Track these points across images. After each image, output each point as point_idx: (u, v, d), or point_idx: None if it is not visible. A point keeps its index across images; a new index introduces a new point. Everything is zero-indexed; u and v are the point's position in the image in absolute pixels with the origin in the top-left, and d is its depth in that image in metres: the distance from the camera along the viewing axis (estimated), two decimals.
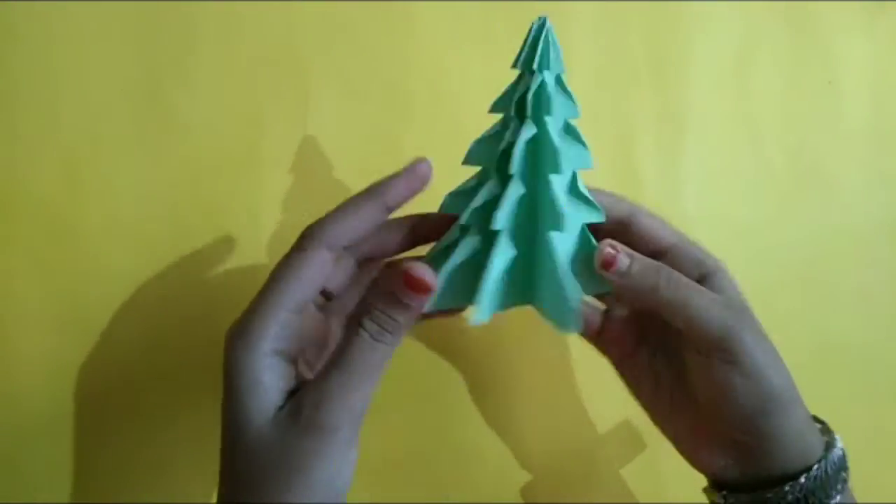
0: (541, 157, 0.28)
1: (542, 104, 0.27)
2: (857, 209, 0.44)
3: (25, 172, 0.36)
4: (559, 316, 0.27)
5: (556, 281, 0.27)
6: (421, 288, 0.26)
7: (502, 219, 0.27)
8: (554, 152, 0.27)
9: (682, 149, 0.42)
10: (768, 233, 0.43)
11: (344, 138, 0.39)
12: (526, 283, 0.29)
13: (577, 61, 0.41)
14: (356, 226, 0.28)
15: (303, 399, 0.25)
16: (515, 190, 0.27)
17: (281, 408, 0.25)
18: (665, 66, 0.42)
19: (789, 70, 0.44)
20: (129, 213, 0.37)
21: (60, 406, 0.36)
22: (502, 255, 0.27)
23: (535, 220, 0.28)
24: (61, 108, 0.37)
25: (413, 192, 0.29)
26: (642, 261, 0.29)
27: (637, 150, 0.42)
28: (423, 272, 0.26)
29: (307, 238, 0.27)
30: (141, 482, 0.36)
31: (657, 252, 0.31)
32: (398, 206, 0.29)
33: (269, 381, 0.25)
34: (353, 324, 0.26)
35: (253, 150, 0.38)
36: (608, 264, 0.28)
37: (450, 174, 0.39)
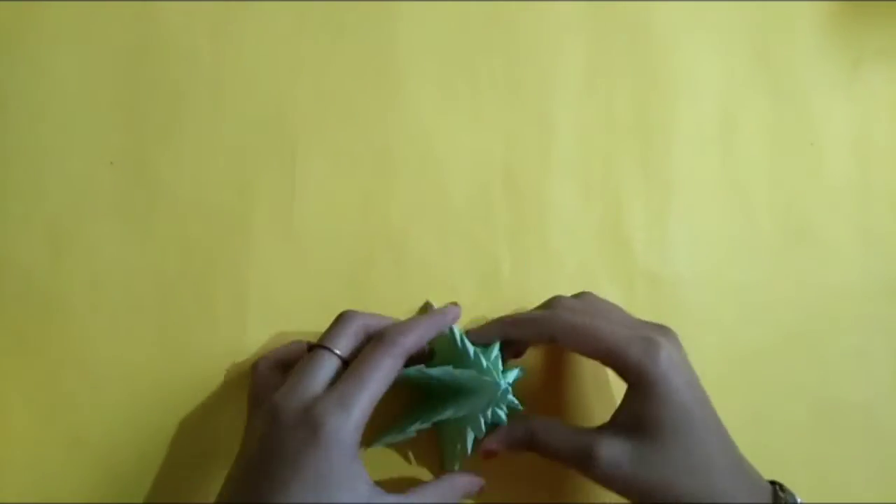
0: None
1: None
2: (847, 267, 0.44)
3: (8, 243, 0.36)
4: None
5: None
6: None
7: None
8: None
9: (671, 213, 0.42)
10: (760, 293, 0.43)
11: (332, 206, 0.39)
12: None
13: (563, 127, 0.42)
14: (423, 342, 0.32)
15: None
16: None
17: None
18: (650, 130, 0.43)
19: (772, 132, 0.45)
20: (114, 286, 0.36)
21: (42, 490, 0.34)
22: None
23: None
24: (46, 178, 0.37)
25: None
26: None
27: (625, 215, 0.42)
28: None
29: (397, 347, 0.31)
30: None
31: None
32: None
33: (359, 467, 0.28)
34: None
35: (241, 221, 0.38)
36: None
37: (436, 239, 0.39)
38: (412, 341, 0.31)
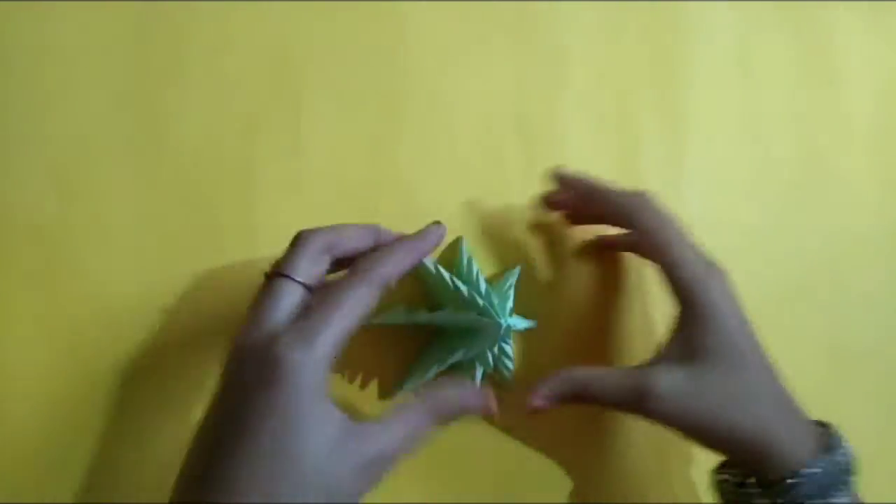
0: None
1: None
2: (865, 209, 0.43)
3: (13, 188, 0.35)
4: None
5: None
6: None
7: None
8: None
9: (686, 151, 0.41)
10: (775, 235, 0.42)
11: (338, 148, 0.38)
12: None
13: (578, 66, 0.41)
14: (401, 270, 0.30)
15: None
16: None
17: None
18: (666, 69, 0.42)
19: (791, 69, 0.43)
20: (121, 227, 0.36)
21: (53, 426, 0.34)
22: None
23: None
24: (50, 121, 0.36)
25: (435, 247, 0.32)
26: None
27: (640, 153, 0.41)
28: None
29: (370, 274, 0.28)
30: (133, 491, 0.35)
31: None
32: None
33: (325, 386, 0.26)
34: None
35: (247, 165, 0.37)
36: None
37: (444, 182, 0.39)
38: (389, 270, 0.29)
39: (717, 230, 0.41)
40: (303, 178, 0.37)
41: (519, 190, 0.39)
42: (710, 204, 0.41)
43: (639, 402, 0.30)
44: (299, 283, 0.28)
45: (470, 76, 0.40)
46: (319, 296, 0.28)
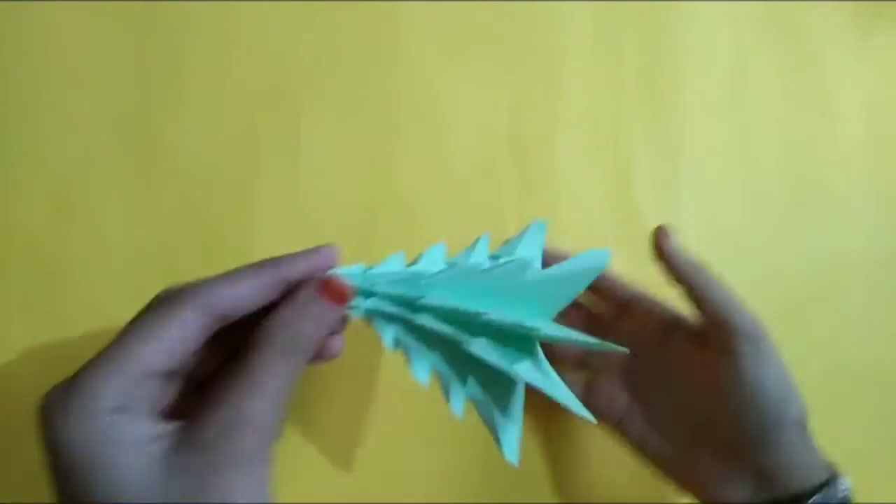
0: None
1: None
2: (859, 228, 0.44)
3: (12, 209, 0.35)
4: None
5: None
6: (336, 297, 0.25)
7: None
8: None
9: (680, 176, 0.42)
10: (770, 257, 0.42)
11: (336, 166, 0.38)
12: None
13: (570, 89, 0.41)
14: (248, 294, 0.24)
15: (202, 431, 0.22)
16: None
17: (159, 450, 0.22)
18: (661, 90, 0.42)
19: (783, 90, 0.44)
20: (118, 245, 0.36)
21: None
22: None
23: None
24: (49, 144, 0.36)
25: (313, 272, 0.25)
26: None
27: (635, 176, 0.41)
28: (341, 280, 0.25)
29: (178, 297, 0.24)
30: None
31: (621, 305, 0.36)
32: (295, 282, 0.25)
33: (119, 433, 0.21)
34: (261, 337, 0.24)
35: (246, 187, 0.37)
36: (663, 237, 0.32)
37: (440, 200, 0.39)
38: (217, 290, 0.24)
39: (711, 250, 0.41)
40: (301, 196, 0.38)
41: (514, 209, 0.39)
42: (705, 224, 0.42)
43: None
44: None
45: (466, 96, 0.40)
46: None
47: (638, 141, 0.42)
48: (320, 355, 0.27)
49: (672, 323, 0.34)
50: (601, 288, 0.36)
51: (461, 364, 0.27)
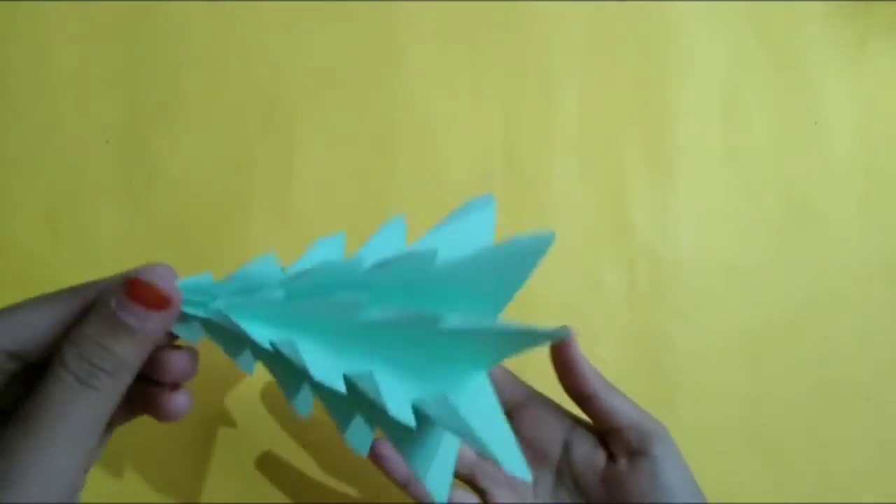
0: None
1: None
2: (850, 247, 0.44)
3: (6, 224, 0.35)
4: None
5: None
6: (152, 301, 0.19)
7: None
8: None
9: (673, 192, 0.42)
10: (763, 273, 0.42)
11: (330, 184, 0.38)
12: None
13: (564, 106, 0.41)
14: (46, 323, 0.20)
15: None
16: None
17: None
18: (653, 107, 0.43)
19: (775, 111, 0.44)
20: (112, 262, 0.36)
21: None
22: None
23: None
24: (43, 159, 0.36)
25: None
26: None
27: (627, 194, 0.41)
28: (158, 276, 0.19)
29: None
30: None
31: (516, 407, 0.32)
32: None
33: None
34: (55, 363, 0.18)
35: (239, 200, 0.37)
36: None
37: (434, 218, 0.39)
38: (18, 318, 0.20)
39: (704, 268, 0.41)
40: (295, 213, 0.38)
41: (507, 227, 0.39)
42: (697, 241, 0.42)
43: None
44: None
45: (460, 111, 0.40)
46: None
47: (630, 158, 0.42)
48: (159, 412, 0.22)
49: (571, 427, 0.32)
50: (495, 383, 0.32)
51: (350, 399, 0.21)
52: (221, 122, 0.38)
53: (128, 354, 0.19)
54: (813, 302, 0.43)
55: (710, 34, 0.44)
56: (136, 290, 0.19)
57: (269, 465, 0.36)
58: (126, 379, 0.19)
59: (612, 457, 0.31)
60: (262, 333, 0.21)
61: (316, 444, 0.37)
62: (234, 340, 0.21)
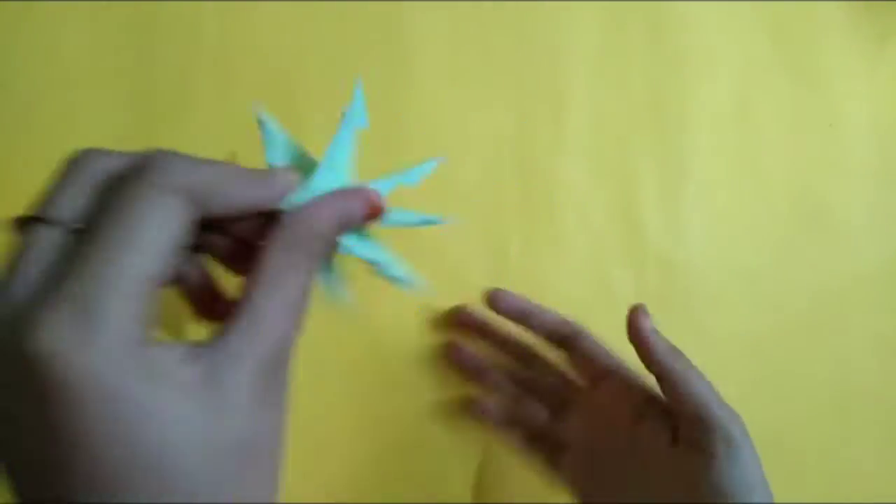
0: None
1: None
2: (865, 251, 0.43)
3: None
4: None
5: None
6: (375, 209, 0.23)
7: None
8: None
9: (685, 195, 0.42)
10: (774, 277, 0.42)
11: None
12: None
13: (576, 107, 0.41)
14: (244, 195, 0.21)
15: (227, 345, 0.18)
16: None
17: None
18: (665, 110, 0.42)
19: (790, 113, 0.44)
20: None
21: None
22: None
23: None
24: (53, 158, 0.36)
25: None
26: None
27: (638, 198, 0.41)
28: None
29: (168, 179, 0.19)
30: None
31: (596, 376, 0.33)
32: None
33: (161, 366, 0.17)
34: (295, 247, 0.20)
35: None
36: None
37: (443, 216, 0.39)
38: (200, 179, 0.20)
39: (714, 270, 0.41)
40: None
41: (518, 231, 0.39)
42: (708, 244, 0.41)
43: None
44: (63, 225, 0.18)
45: (471, 116, 0.40)
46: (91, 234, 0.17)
47: (642, 160, 0.42)
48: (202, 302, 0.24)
49: (647, 403, 0.32)
50: (579, 351, 0.34)
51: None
52: (231, 121, 0.38)
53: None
54: (824, 306, 0.42)
55: (724, 34, 0.43)
56: (368, 197, 0.23)
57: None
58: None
59: (675, 440, 0.30)
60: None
61: (317, 443, 0.37)
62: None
